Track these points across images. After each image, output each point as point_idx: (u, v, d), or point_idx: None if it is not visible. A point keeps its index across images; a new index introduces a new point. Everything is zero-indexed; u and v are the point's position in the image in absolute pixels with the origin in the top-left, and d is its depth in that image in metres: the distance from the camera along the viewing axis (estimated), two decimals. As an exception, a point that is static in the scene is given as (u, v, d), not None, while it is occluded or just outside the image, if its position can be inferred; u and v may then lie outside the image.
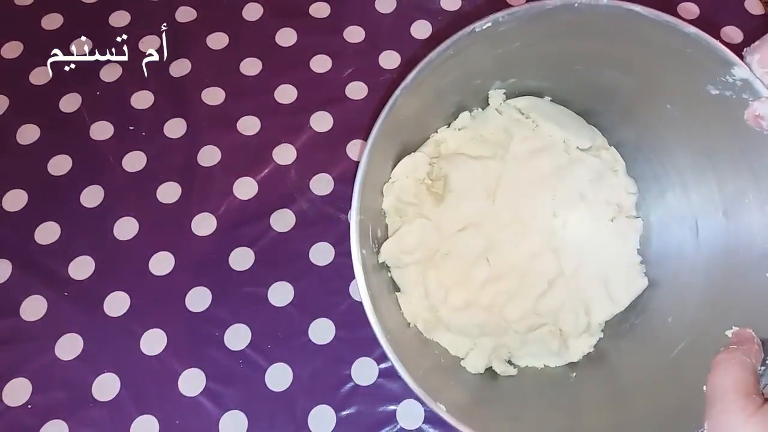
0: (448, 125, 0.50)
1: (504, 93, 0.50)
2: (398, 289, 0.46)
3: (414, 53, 0.63)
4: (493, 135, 0.49)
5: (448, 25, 0.64)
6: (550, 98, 0.50)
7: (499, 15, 0.39)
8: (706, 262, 0.44)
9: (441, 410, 0.37)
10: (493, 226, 0.47)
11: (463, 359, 0.45)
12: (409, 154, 0.47)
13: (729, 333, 0.38)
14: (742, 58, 0.37)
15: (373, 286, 0.39)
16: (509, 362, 0.47)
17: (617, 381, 0.45)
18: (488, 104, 0.50)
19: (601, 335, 0.48)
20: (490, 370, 0.46)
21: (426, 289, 0.45)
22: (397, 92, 0.39)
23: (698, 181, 0.45)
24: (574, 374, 0.46)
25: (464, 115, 0.50)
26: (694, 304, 0.44)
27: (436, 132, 0.49)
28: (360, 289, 0.37)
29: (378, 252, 0.45)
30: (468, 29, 0.39)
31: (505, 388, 0.45)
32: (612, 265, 0.48)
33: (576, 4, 0.39)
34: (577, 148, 0.49)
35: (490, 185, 0.48)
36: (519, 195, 0.48)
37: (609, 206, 0.49)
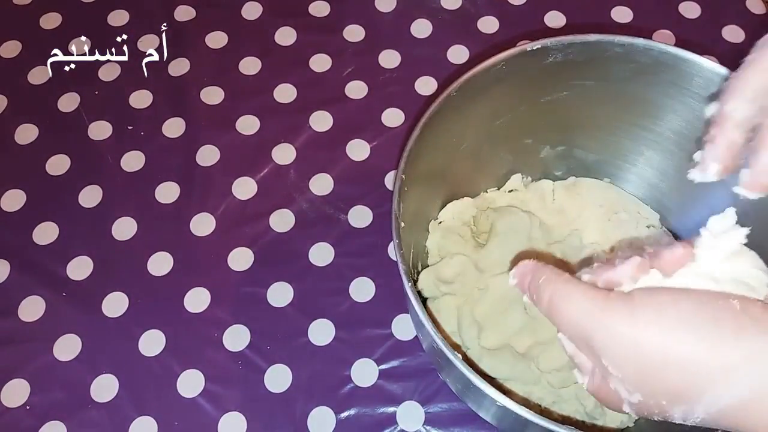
0: (498, 188, 0.52)
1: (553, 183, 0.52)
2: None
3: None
4: (542, 195, 0.51)
5: (449, 25, 0.64)
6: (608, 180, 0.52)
7: (547, 40, 0.41)
8: None
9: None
10: None
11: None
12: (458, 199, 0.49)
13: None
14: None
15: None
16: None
17: None
18: (539, 176, 0.52)
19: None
20: None
21: (459, 325, 0.45)
22: (443, 96, 0.40)
23: None
24: None
25: (516, 177, 0.52)
26: None
27: (486, 192, 0.52)
28: (419, 313, 0.36)
29: (416, 281, 0.45)
30: (518, 49, 0.41)
31: None
32: None
33: (616, 40, 0.40)
34: (616, 214, 0.50)
35: (534, 237, 0.48)
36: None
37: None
